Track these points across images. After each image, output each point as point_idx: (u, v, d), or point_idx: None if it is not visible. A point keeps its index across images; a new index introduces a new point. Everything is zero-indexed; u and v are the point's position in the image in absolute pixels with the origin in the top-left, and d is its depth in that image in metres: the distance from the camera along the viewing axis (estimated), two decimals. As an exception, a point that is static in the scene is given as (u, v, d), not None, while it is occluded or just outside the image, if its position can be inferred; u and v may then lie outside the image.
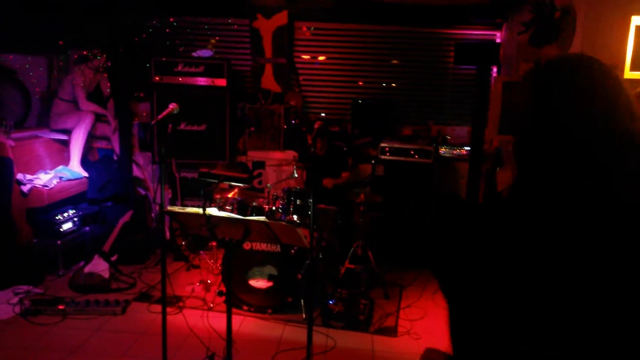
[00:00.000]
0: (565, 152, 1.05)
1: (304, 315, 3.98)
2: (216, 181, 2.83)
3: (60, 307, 3.94)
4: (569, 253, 1.03)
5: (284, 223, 2.66)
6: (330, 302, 4.03)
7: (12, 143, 4.64)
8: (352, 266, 4.50)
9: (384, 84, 6.16)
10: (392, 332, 3.85)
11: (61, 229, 4.71)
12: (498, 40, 5.85)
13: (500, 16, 5.75)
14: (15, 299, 4.05)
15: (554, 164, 1.07)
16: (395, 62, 6.13)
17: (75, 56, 5.85)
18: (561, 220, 1.05)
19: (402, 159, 5.14)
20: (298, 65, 6.16)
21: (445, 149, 5.49)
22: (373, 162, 5.12)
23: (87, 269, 4.43)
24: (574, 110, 1.05)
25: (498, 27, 5.88)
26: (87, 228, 5.03)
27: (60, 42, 5.94)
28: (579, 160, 1.04)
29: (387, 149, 5.19)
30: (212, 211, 2.69)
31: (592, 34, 3.77)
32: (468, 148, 5.37)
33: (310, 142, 3.17)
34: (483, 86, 4.58)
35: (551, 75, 1.12)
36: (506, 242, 1.12)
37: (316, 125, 3.37)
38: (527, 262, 1.08)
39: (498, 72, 5.69)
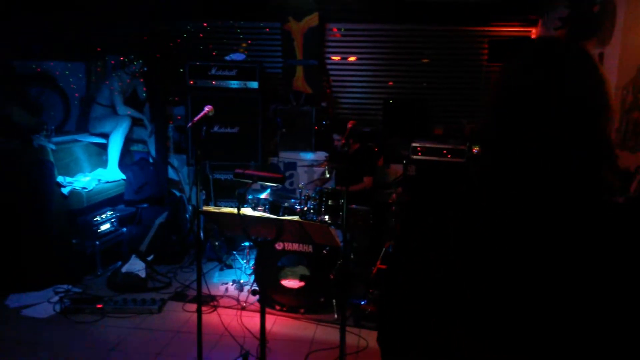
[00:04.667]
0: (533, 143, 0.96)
1: (335, 316, 3.97)
2: (250, 181, 2.85)
3: (99, 305, 4.05)
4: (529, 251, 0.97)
5: (318, 223, 2.67)
6: (362, 302, 4.02)
7: (53, 147, 4.80)
8: (384, 267, 4.47)
9: (415, 83, 6.10)
10: (426, 333, 3.80)
11: (99, 230, 4.84)
12: (533, 37, 5.73)
13: (535, 12, 5.64)
14: (56, 298, 4.18)
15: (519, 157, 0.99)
16: (427, 61, 6.07)
17: (113, 62, 6.02)
18: (524, 224, 0.98)
19: (435, 158, 5.07)
20: (329, 67, 6.17)
21: (478, 148, 5.39)
22: (405, 162, 5.07)
23: (124, 269, 4.54)
24: (548, 95, 0.96)
25: (533, 24, 5.75)
26: (124, 229, 5.15)
27: (98, 49, 6.13)
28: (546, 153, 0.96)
29: (419, 148, 5.14)
30: (246, 211, 2.72)
31: (633, 28, 3.64)
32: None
33: (343, 141, 3.15)
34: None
35: (528, 61, 1.01)
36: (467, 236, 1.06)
37: (349, 125, 3.35)
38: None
39: (533, 69, 5.57)
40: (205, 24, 6.19)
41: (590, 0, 3.96)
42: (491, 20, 5.80)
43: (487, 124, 1.07)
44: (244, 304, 4.17)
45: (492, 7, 5.59)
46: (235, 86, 5.45)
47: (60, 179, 4.81)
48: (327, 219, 4.15)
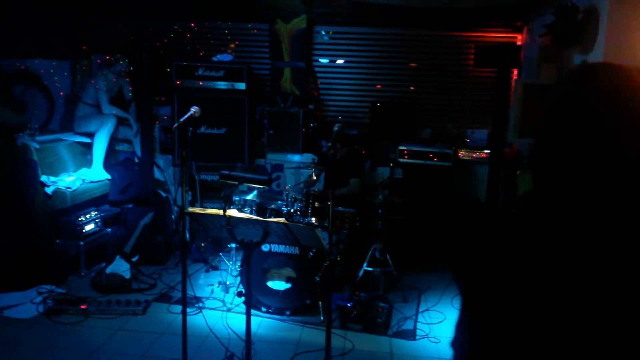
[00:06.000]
0: (587, 166, 1.00)
1: (322, 318, 3.98)
2: (237, 183, 2.85)
3: (83, 306, 4.00)
4: (585, 271, 0.99)
5: (304, 225, 2.67)
6: (349, 304, 4.03)
7: (36, 146, 4.74)
8: (370, 269, 4.49)
9: (402, 87, 6.14)
10: (410, 335, 3.83)
11: (83, 230, 4.79)
12: (518, 43, 5.80)
13: (520, 19, 5.71)
14: (39, 299, 4.13)
15: (575, 178, 1.02)
16: (414, 65, 6.11)
17: (99, 61, 5.97)
18: (581, 239, 1.00)
19: (421, 161, 5.12)
20: (317, 69, 6.19)
21: (464, 152, 5.45)
22: (392, 165, 5.10)
23: (108, 270, 4.50)
24: (598, 122, 1.00)
25: (518, 30, 5.84)
26: (109, 229, 5.10)
27: (84, 47, 6.07)
28: (602, 175, 0.99)
29: (405, 152, 5.17)
30: (232, 212, 2.71)
31: (615, 35, 3.71)
32: (488, 151, 5.33)
33: (330, 144, 3.16)
34: (503, 89, 4.54)
35: (574, 85, 1.06)
36: (522, 254, 1.08)
37: (335, 128, 3.36)
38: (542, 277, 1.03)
39: (519, 74, 5.64)
40: (192, 24, 6.17)
41: (574, 8, 4.03)
42: (477, 26, 5.87)
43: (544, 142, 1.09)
44: (230, 306, 4.16)
45: (479, 13, 5.66)
46: (223, 87, 5.44)
47: (44, 178, 4.75)
48: (313, 221, 4.16)
